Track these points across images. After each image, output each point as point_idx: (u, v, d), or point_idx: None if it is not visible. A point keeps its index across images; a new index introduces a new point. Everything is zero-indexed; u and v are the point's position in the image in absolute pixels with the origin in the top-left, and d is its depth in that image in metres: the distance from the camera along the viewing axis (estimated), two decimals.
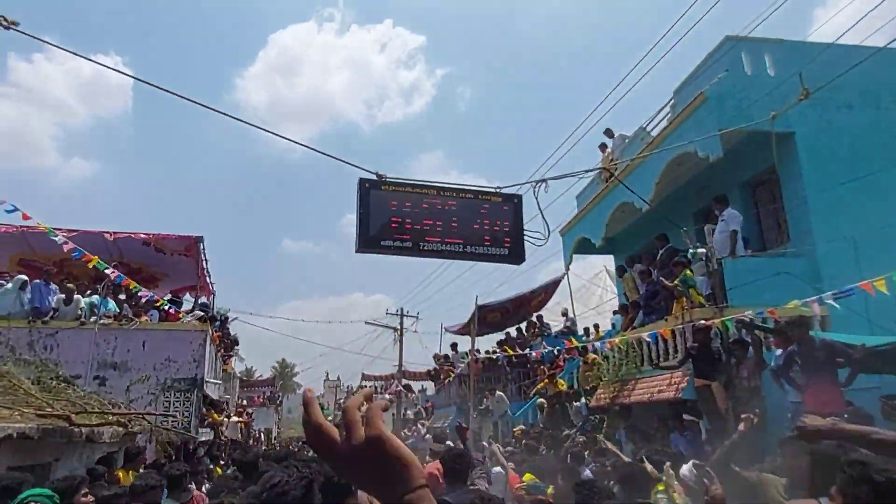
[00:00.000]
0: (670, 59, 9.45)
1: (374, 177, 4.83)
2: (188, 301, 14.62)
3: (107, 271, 10.12)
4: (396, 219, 4.70)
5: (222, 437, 14.36)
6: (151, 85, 5.28)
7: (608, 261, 17.69)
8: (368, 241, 4.62)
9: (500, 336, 20.16)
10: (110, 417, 6.63)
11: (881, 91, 10.02)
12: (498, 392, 16.13)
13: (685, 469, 4.45)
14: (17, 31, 4.15)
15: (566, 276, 16.57)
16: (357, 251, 4.66)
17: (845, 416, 6.11)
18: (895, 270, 6.25)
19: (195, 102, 5.43)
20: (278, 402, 36.61)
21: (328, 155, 5.00)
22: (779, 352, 7.37)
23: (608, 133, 13.26)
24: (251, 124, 5.79)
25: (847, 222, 8.99)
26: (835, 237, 8.89)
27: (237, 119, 5.51)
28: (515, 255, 4.98)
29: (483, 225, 4.92)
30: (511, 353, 16.32)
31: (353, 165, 4.87)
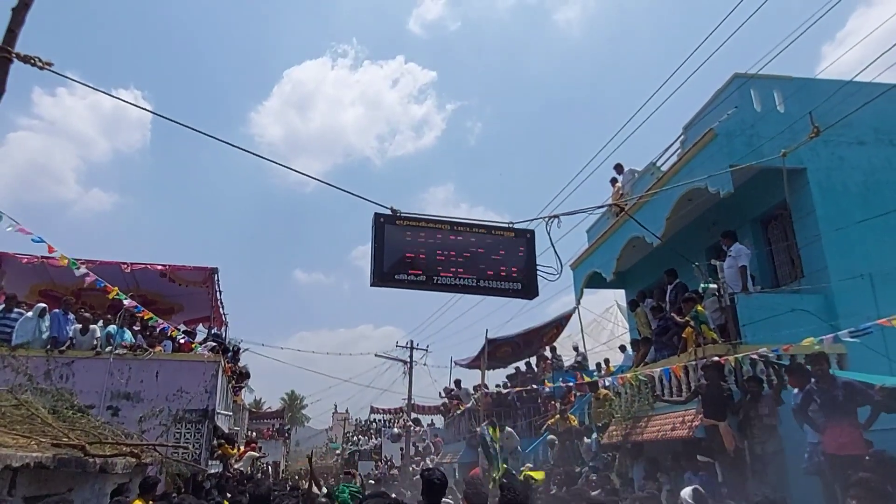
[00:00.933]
0: (681, 95, 9.60)
1: (389, 212, 4.93)
2: (202, 332, 14.72)
3: (125, 302, 10.24)
4: (410, 253, 4.78)
5: (231, 470, 14.26)
6: (168, 119, 5.46)
7: (619, 295, 17.66)
8: (383, 275, 4.70)
9: (510, 370, 20.04)
10: (124, 448, 6.66)
11: (894, 128, 10.09)
12: (507, 428, 15.94)
13: (685, 493, 4.46)
14: (51, 71, 4.33)
15: (577, 311, 16.53)
16: (372, 285, 4.74)
17: (867, 458, 6.02)
18: None
19: (210, 136, 5.59)
20: (287, 434, 36.32)
21: (346, 191, 5.10)
22: (795, 391, 7.28)
23: (618, 168, 13.38)
24: (265, 157, 5.94)
25: (862, 259, 8.97)
26: (850, 274, 8.85)
27: (251, 153, 5.68)
28: (528, 290, 5.03)
29: (496, 260, 4.99)
30: (521, 388, 16.19)
31: (368, 200, 4.98)
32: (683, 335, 9.15)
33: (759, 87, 10.10)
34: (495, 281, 4.96)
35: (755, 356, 7.62)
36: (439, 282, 4.82)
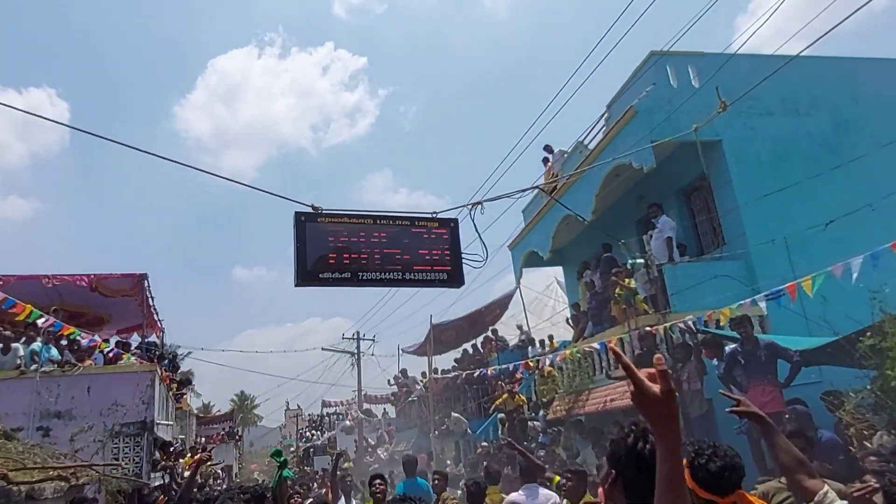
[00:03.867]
0: (604, 73, 9.79)
1: (310, 209, 4.85)
2: (136, 341, 14.18)
3: (39, 321, 9.74)
4: (333, 251, 4.73)
5: (180, 480, 13.90)
6: (85, 132, 5.19)
7: (559, 272, 18.03)
8: (306, 275, 4.63)
9: (457, 353, 20.21)
10: (51, 472, 6.37)
11: (799, 97, 10.59)
12: (454, 413, 16.15)
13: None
14: None
15: (518, 290, 16.78)
16: (296, 285, 4.66)
17: (786, 415, 6.38)
18: (822, 271, 6.58)
19: (129, 147, 5.37)
20: (238, 436, 35.63)
21: (259, 189, 5.01)
22: (714, 361, 7.66)
23: (548, 149, 13.58)
24: (176, 161, 5.73)
25: (778, 225, 9.37)
26: (767, 239, 9.29)
27: (168, 159, 5.46)
28: (455, 279, 5.06)
29: (421, 251, 4.99)
30: (468, 371, 16.37)
31: (286, 199, 4.89)
32: (613, 313, 9.43)
33: (675, 64, 10.41)
34: (422, 272, 4.97)
35: (682, 325, 7.92)
36: (365, 277, 4.79)
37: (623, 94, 11.10)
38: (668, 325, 8.05)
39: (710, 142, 9.74)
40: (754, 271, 9.35)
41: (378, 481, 6.84)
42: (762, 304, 7.01)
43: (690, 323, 7.89)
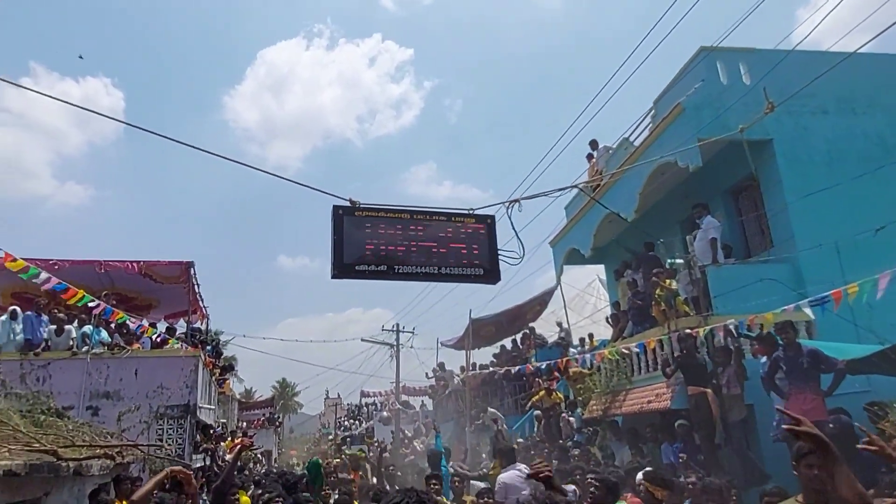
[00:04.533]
0: (651, 67, 9.57)
1: (348, 203, 4.90)
2: (182, 326, 14.63)
3: (90, 304, 10.13)
4: (370, 244, 4.77)
5: (221, 463, 14.31)
6: (139, 128, 5.38)
7: (600, 270, 17.78)
8: (343, 267, 4.68)
9: (496, 349, 20.17)
10: (98, 450, 6.65)
11: (856, 96, 10.17)
12: (490, 409, 16.11)
13: (640, 476, 4.57)
14: (3, 80, 4.23)
15: (559, 287, 16.64)
16: (333, 277, 4.72)
17: (830, 424, 6.16)
18: (871, 277, 6.33)
19: (179, 142, 5.52)
20: (278, 422, 36.42)
21: (298, 182, 5.07)
22: (764, 359, 7.41)
23: (593, 144, 13.40)
24: (228, 158, 5.86)
25: (829, 227, 9.06)
26: (817, 242, 8.96)
27: (210, 153, 5.61)
28: (490, 275, 5.04)
29: (457, 246, 4.99)
30: (506, 367, 16.33)
31: (323, 192, 4.95)
32: (653, 313, 9.25)
33: (725, 60, 10.13)
34: (457, 267, 4.96)
35: (724, 328, 7.73)
36: (400, 271, 4.82)
37: (670, 91, 10.87)
38: (709, 327, 7.85)
39: (759, 141, 9.45)
40: (802, 275, 9.04)
41: (434, 481, 7.01)
42: (807, 310, 6.77)
43: (732, 327, 7.68)
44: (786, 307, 7.09)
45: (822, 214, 9.07)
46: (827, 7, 7.36)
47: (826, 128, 9.85)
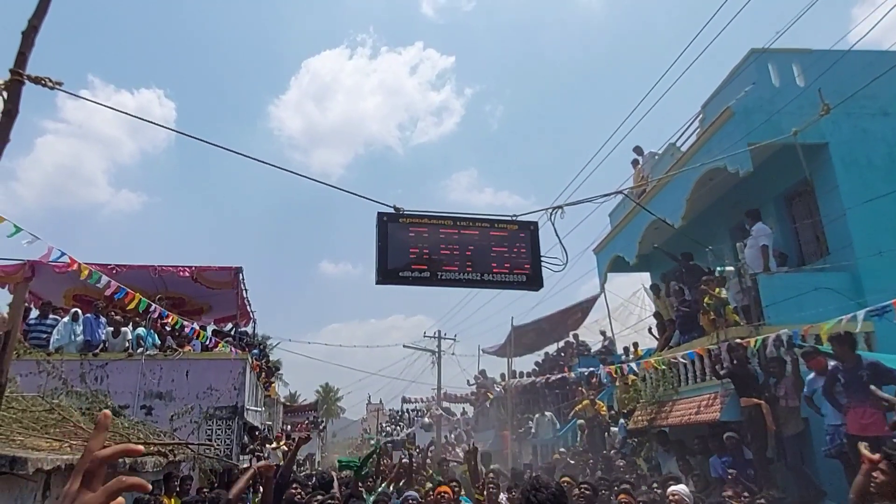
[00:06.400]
0: (699, 71, 9.37)
1: (392, 210, 4.96)
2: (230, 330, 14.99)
3: (149, 309, 10.51)
4: (414, 250, 4.82)
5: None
6: (191, 136, 5.57)
7: (646, 278, 17.46)
8: (387, 273, 4.74)
9: (539, 356, 20.02)
10: (152, 448, 6.88)
11: None
12: (547, 413, 15.89)
13: (681, 488, 4.45)
14: (62, 90, 4.43)
15: (603, 295, 16.42)
16: (377, 283, 4.78)
17: (894, 439, 5.88)
18: None
19: (227, 150, 5.69)
20: (321, 426, 36.89)
21: (344, 189, 5.18)
22: (812, 375, 7.14)
23: (637, 150, 13.20)
24: (273, 164, 6.00)
25: (889, 234, 8.69)
26: (877, 249, 8.59)
27: (263, 162, 5.77)
28: (533, 282, 5.02)
29: (500, 253, 4.99)
30: (547, 376, 16.17)
31: (369, 199, 5.02)
32: (701, 323, 9.03)
33: (777, 62, 9.84)
34: (500, 274, 4.96)
35: (775, 338, 7.48)
36: (444, 277, 4.84)
37: (720, 94, 10.62)
38: (761, 337, 7.61)
39: (814, 145, 9.14)
40: (861, 284, 8.67)
41: (491, 475, 7.70)
42: (864, 319, 6.49)
43: (785, 337, 7.41)
44: (842, 317, 6.81)
45: (882, 220, 8.69)
46: (887, 5, 7.06)
47: (887, 130, 9.44)
